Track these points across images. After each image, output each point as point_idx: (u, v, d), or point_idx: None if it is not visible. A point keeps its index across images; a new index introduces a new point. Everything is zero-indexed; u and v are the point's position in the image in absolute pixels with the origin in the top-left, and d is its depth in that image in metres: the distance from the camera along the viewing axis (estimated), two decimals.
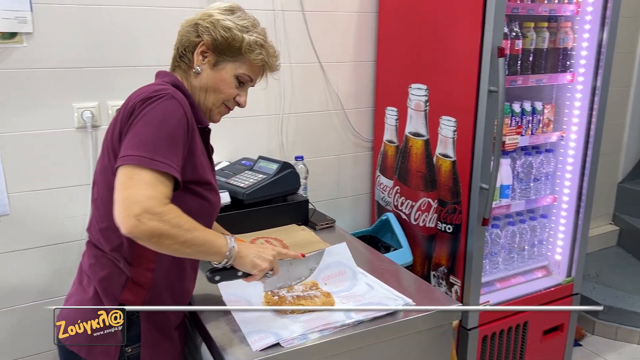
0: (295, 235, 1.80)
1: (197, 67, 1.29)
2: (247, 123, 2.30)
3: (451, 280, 2.27)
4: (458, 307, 1.42)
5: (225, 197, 1.79)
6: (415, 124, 2.34)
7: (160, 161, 1.09)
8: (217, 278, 1.25)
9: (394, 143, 2.49)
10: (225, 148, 2.28)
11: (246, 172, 1.94)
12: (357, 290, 1.44)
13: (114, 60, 1.99)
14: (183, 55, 1.31)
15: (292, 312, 1.31)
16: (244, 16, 1.32)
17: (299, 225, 1.90)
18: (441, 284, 2.33)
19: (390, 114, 2.49)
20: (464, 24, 2.02)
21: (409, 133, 2.38)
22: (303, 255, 1.39)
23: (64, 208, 2.00)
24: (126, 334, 1.17)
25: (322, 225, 1.91)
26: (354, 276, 1.50)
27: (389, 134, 2.52)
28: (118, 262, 1.22)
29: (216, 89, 1.30)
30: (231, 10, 1.31)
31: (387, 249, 2.50)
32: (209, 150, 1.37)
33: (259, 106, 2.31)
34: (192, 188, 1.22)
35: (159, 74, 1.33)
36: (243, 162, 2.04)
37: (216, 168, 2.08)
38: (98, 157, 1.28)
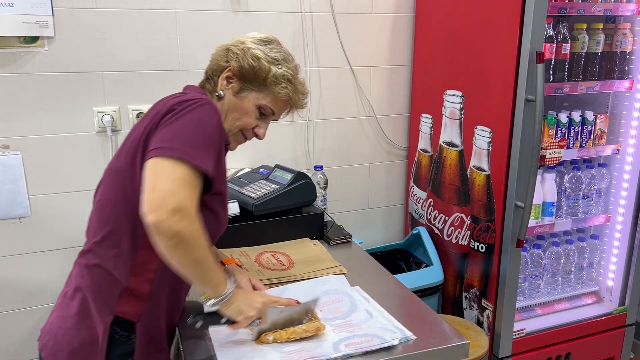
0: (305, 250, 1.70)
1: (221, 92, 1.28)
2: (272, 129, 2.21)
3: (483, 304, 2.09)
4: (460, 342, 1.26)
5: (234, 208, 1.72)
6: (450, 133, 2.17)
7: (199, 157, 1.05)
8: (199, 324, 1.16)
9: (428, 152, 2.34)
10: (249, 154, 2.22)
11: (261, 181, 1.86)
12: (354, 318, 1.32)
13: (134, 65, 1.97)
14: (210, 78, 1.31)
15: (275, 340, 1.22)
16: (278, 49, 1.30)
17: (313, 239, 1.80)
18: (473, 307, 2.15)
19: (425, 121, 2.33)
20: (501, 26, 1.84)
21: (443, 142, 2.22)
22: (297, 302, 1.28)
23: (83, 211, 1.98)
24: (115, 353, 1.13)
25: (336, 240, 1.80)
26: (352, 304, 1.38)
27: (424, 142, 2.36)
28: (115, 271, 1.15)
29: (236, 115, 1.28)
30: (266, 42, 1.30)
31: (418, 265, 2.35)
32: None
33: None
34: (208, 200, 1.16)
35: (190, 88, 1.31)
36: (261, 170, 1.96)
37: (235, 175, 2.02)
38: (110, 160, 1.23)
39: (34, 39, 1.84)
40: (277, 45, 1.32)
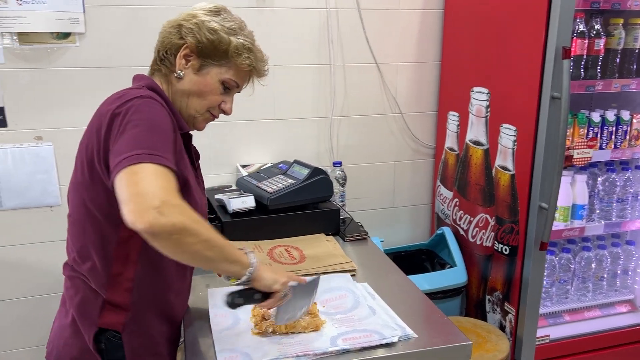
0: (318, 246, 1.70)
1: (180, 72, 1.20)
2: (295, 125, 2.23)
3: (506, 308, 2.03)
4: (462, 343, 1.22)
5: (249, 201, 1.73)
6: (476, 131, 2.12)
7: (160, 156, 0.98)
8: (239, 301, 1.13)
9: (455, 151, 2.29)
10: (273, 150, 2.24)
11: (279, 176, 1.87)
12: (355, 314, 1.31)
13: None
14: (164, 58, 1.22)
15: (274, 331, 1.22)
16: (230, 18, 1.23)
17: (327, 235, 1.79)
18: (496, 310, 2.09)
19: (452, 119, 2.29)
20: (527, 20, 1.78)
21: (470, 141, 2.17)
22: (304, 280, 1.25)
23: None
24: (109, 357, 1.14)
25: (351, 237, 1.79)
26: (355, 300, 1.37)
27: (450, 140, 2.32)
28: (93, 284, 1.14)
29: (200, 94, 1.21)
30: (216, 11, 1.23)
31: (443, 266, 2.31)
32: (192, 155, 1.28)
33: (307, 108, 2.23)
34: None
35: (136, 78, 1.24)
36: (280, 165, 1.97)
37: (258, 170, 2.04)
38: (71, 176, 1.19)
39: (66, 35, 1.92)
40: (229, 14, 1.24)
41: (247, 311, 1.29)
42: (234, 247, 1.10)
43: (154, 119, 1.06)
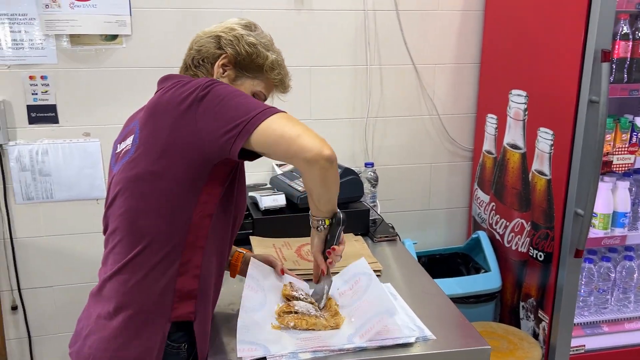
0: (346, 245, 1.71)
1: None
2: (330, 125, 2.26)
3: (539, 315, 1.99)
4: (480, 347, 1.21)
5: (280, 199, 1.77)
6: (514, 134, 2.09)
7: (275, 108, 1.10)
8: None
9: (492, 154, 2.26)
10: None
11: None
12: (369, 296, 1.29)
13: None
14: (200, 65, 1.25)
15: (295, 326, 1.25)
16: (263, 34, 1.29)
17: (356, 235, 1.81)
18: (529, 317, 2.05)
19: (491, 122, 2.26)
20: (566, 22, 1.74)
21: (507, 144, 2.13)
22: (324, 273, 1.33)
23: None
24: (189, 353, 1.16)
25: (380, 237, 1.80)
26: (368, 279, 1.36)
27: (488, 143, 2.29)
28: (163, 277, 1.11)
29: None
30: (250, 27, 1.28)
31: (478, 270, 2.29)
32: None
33: (343, 109, 2.26)
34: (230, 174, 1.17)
35: (168, 78, 1.22)
36: None
37: (292, 169, 2.08)
38: (119, 168, 1.17)
39: (114, 37, 2.02)
40: (261, 31, 1.29)
41: (276, 294, 1.33)
42: None
43: (243, 92, 1.13)
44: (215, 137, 1.06)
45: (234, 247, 1.41)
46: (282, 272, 1.43)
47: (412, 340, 1.21)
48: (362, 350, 1.19)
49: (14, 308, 2.20)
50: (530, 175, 1.99)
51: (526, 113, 2.00)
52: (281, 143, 1.05)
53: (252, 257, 1.40)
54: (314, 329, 1.26)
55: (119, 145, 1.25)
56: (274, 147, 1.06)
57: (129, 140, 1.18)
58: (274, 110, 1.08)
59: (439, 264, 2.37)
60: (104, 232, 1.22)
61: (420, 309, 1.37)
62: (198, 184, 1.11)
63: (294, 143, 1.05)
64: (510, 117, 2.10)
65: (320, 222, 1.27)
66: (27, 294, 2.19)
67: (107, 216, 1.20)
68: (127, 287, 1.12)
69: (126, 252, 1.13)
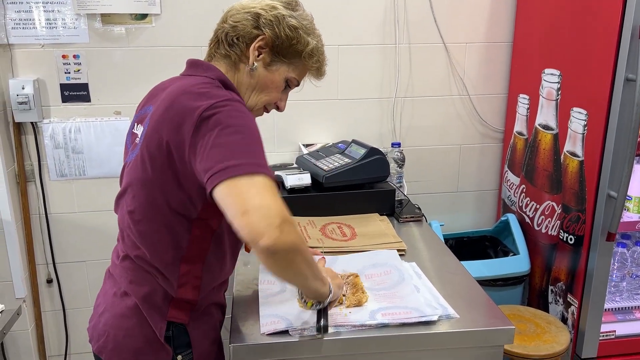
0: (371, 225, 1.71)
1: (255, 64, 1.14)
2: (358, 105, 2.25)
3: (568, 300, 1.95)
4: (504, 327, 1.20)
5: (305, 178, 1.78)
6: (546, 115, 2.03)
7: (267, 167, 0.94)
8: (325, 323, 1.15)
9: (524, 136, 2.21)
10: (335, 129, 2.26)
11: (336, 155, 1.90)
12: (399, 291, 1.31)
13: None
14: (234, 44, 1.14)
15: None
16: (304, 14, 1.18)
17: (382, 215, 1.80)
18: (558, 301, 2.02)
19: (522, 102, 2.20)
20: None
21: (539, 125, 2.08)
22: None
23: None
24: (176, 343, 1.14)
25: (405, 218, 1.78)
26: (400, 277, 1.37)
27: (520, 124, 2.23)
28: (162, 283, 1.11)
29: (263, 89, 1.17)
30: (292, 6, 1.17)
31: (506, 253, 2.25)
32: None
33: (371, 88, 2.24)
34: None
35: (197, 66, 1.16)
36: (339, 144, 2.00)
37: (318, 149, 2.08)
38: (130, 159, 1.13)
39: (144, 16, 2.04)
40: (302, 10, 1.19)
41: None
42: (319, 265, 1.11)
43: (249, 125, 0.99)
44: (199, 171, 0.98)
45: None
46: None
47: (434, 318, 1.21)
48: (384, 326, 1.19)
49: (49, 281, 2.27)
50: (562, 156, 1.94)
51: (559, 93, 1.94)
52: (230, 208, 0.91)
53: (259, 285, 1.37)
54: (337, 305, 1.26)
55: (135, 125, 1.20)
56: (225, 208, 0.92)
57: (141, 129, 1.12)
58: (250, 169, 0.92)
59: (466, 246, 2.35)
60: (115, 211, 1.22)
61: (444, 288, 1.36)
62: (196, 204, 1.06)
63: (238, 217, 0.89)
64: (542, 97, 2.05)
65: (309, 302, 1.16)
66: (61, 268, 2.26)
67: (118, 204, 1.19)
68: (131, 277, 1.14)
69: (130, 247, 1.13)
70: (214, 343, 1.24)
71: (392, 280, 1.37)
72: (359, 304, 1.26)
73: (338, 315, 1.22)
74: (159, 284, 1.11)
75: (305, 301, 1.16)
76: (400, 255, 1.54)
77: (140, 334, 1.12)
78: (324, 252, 1.52)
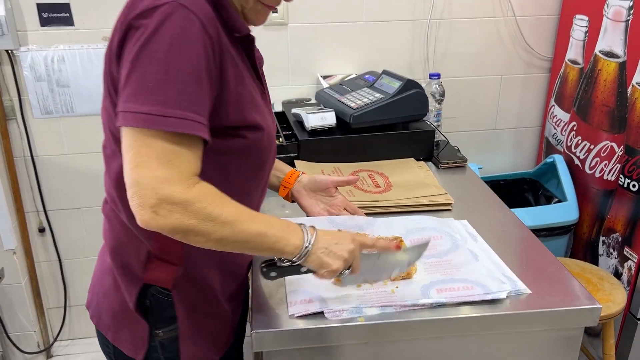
0: (407, 172, 1.46)
1: None
2: (386, 29, 1.93)
3: (625, 253, 1.73)
4: (590, 306, 0.97)
5: (329, 118, 1.51)
6: (611, 39, 1.72)
7: (176, 117, 0.74)
8: (273, 274, 0.92)
9: (578, 65, 1.90)
10: (358, 59, 1.96)
11: (364, 89, 1.61)
12: (453, 258, 1.08)
13: None
14: None
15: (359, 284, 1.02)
16: None
17: (418, 160, 1.54)
18: (611, 254, 1.79)
19: (579, 24, 1.88)
20: None
21: (600, 52, 1.78)
22: (399, 247, 0.95)
23: None
24: (156, 316, 0.94)
25: (447, 163, 1.53)
26: (453, 243, 1.13)
27: (574, 51, 1.92)
28: (136, 232, 0.90)
29: None
30: None
31: (549, 199, 2.01)
32: (255, 63, 0.96)
33: (401, 9, 1.91)
34: (232, 132, 0.86)
35: None
36: (367, 76, 1.70)
37: (341, 82, 1.79)
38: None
39: None
40: None
41: None
42: (277, 233, 0.84)
43: (178, 50, 0.75)
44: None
45: (286, 168, 1.21)
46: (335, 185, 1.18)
47: (503, 296, 0.98)
48: (440, 306, 0.96)
49: (42, 230, 2.06)
50: (629, 90, 1.65)
51: (631, 12, 1.63)
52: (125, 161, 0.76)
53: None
54: (378, 281, 1.03)
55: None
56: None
57: None
58: (148, 123, 0.74)
59: (503, 190, 2.10)
60: None
61: (505, 252, 1.12)
62: None
63: (127, 188, 0.75)
64: (607, 17, 1.73)
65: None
66: (54, 216, 2.04)
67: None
68: (106, 224, 0.97)
69: (106, 186, 0.95)
70: (214, 315, 0.99)
71: (444, 246, 1.13)
72: (408, 276, 1.03)
73: (383, 292, 0.99)
74: (132, 233, 0.90)
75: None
76: (446, 210, 1.30)
77: (117, 297, 0.95)
78: (357, 206, 1.28)
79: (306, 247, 0.86)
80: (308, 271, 0.91)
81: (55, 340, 2.20)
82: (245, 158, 0.91)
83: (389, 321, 0.94)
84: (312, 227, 0.89)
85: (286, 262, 0.89)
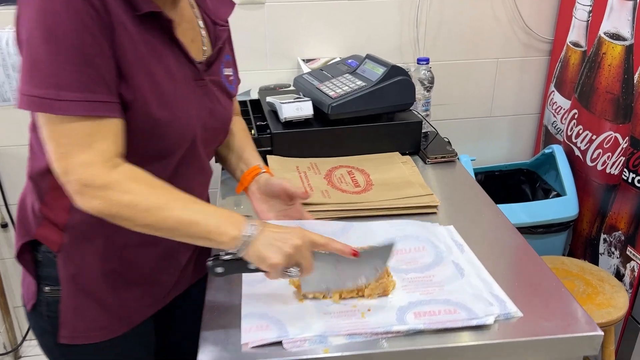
0: (391, 169, 1.32)
1: None
2: (371, 7, 1.77)
3: (628, 253, 1.60)
4: (590, 333, 0.85)
5: (305, 108, 1.36)
6: (617, 20, 1.57)
7: (70, 100, 0.72)
8: (219, 270, 0.83)
9: (581, 47, 1.75)
10: (341, 41, 1.81)
11: (346, 75, 1.46)
12: (435, 274, 0.95)
13: None
14: None
15: (324, 297, 0.89)
16: None
17: (404, 154, 1.40)
18: (613, 254, 1.67)
19: (582, 2, 1.73)
20: None
21: (605, 34, 1.63)
22: (356, 254, 0.85)
23: None
24: (44, 272, 0.92)
25: (435, 158, 1.39)
26: (437, 255, 1.00)
27: (576, 33, 1.77)
28: (33, 189, 0.90)
29: None
30: None
31: (547, 192, 1.88)
32: (183, 49, 0.85)
33: None
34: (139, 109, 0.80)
35: None
36: (349, 61, 1.55)
37: (323, 67, 1.63)
38: None
39: None
40: None
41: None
42: (211, 222, 0.79)
43: (56, 27, 0.71)
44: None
45: (253, 160, 1.07)
46: (286, 192, 1.01)
47: (490, 321, 0.84)
48: (418, 333, 0.83)
49: (4, 226, 1.93)
50: (636, 75, 1.51)
51: None
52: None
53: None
54: (352, 297, 0.90)
55: None
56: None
57: None
58: (46, 106, 0.72)
59: (497, 182, 1.98)
60: None
61: (494, 264, 0.99)
62: None
63: (54, 161, 0.76)
64: None
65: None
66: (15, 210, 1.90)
67: None
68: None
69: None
70: (98, 307, 0.93)
71: (427, 259, 1.00)
72: (384, 292, 0.90)
73: (353, 315, 0.86)
74: (32, 191, 0.91)
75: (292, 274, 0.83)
76: (431, 213, 1.16)
77: (18, 238, 0.94)
78: (331, 209, 1.14)
79: (245, 239, 0.79)
80: (257, 269, 0.82)
81: (23, 340, 2.09)
82: (144, 141, 0.83)
83: (357, 352, 0.81)
84: (263, 221, 0.83)
85: (227, 255, 0.82)
